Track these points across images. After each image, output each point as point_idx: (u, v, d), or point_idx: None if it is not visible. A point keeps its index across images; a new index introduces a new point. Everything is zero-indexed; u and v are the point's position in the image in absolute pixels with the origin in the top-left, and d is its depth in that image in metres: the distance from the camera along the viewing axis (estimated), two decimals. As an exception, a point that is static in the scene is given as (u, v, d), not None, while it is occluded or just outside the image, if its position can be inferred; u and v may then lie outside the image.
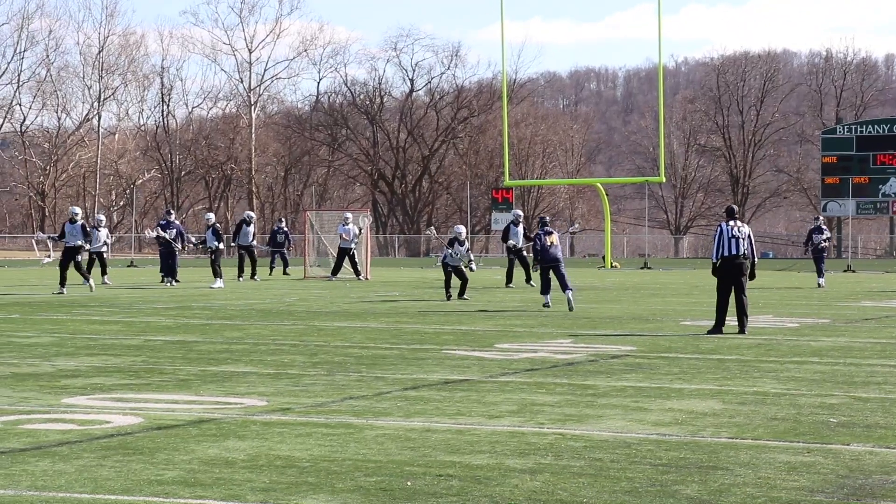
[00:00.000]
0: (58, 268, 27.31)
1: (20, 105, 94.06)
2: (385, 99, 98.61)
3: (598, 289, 30.74)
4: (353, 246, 35.14)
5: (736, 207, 17.60)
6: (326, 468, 6.85)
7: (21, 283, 32.58)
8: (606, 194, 55.72)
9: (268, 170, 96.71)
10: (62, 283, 26.55)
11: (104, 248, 32.07)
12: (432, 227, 41.32)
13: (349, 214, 36.22)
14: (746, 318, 16.72)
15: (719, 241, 16.75)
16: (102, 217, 33.43)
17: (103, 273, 32.10)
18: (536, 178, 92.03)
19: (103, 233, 32.07)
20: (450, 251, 25.64)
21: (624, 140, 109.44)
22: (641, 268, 51.95)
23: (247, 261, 35.88)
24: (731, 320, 16.70)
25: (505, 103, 50.76)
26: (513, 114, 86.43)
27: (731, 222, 16.88)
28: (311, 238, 39.23)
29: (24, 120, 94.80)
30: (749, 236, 16.83)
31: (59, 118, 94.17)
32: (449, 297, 24.89)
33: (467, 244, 26.23)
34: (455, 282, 25.46)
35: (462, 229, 26.30)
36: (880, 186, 68.67)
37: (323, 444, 7.61)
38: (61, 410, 8.97)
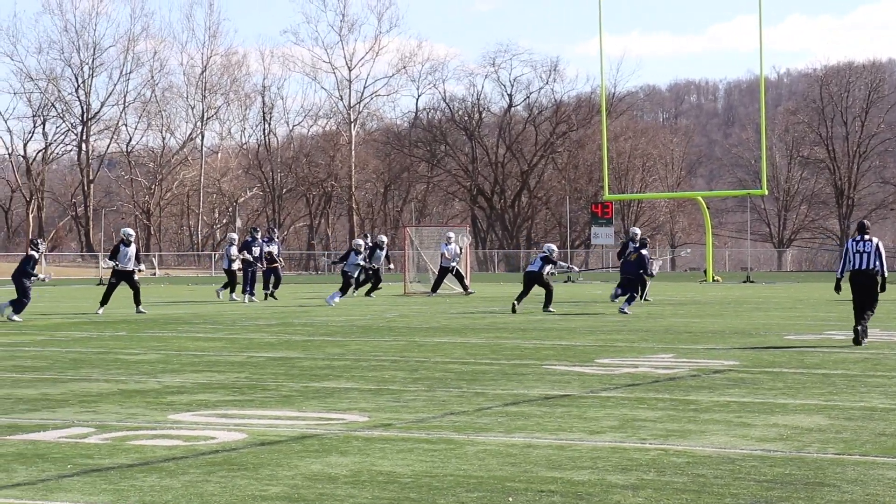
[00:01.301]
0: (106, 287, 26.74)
1: (126, 125, 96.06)
2: (483, 114, 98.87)
3: (700, 303, 30.45)
4: (454, 264, 35.39)
5: (867, 223, 17.78)
6: (428, 484, 6.87)
7: (128, 300, 33.15)
8: (708, 207, 55.22)
9: (367, 186, 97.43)
10: (104, 302, 26.08)
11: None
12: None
13: (451, 234, 36.37)
14: (862, 326, 16.75)
15: (845, 257, 17.20)
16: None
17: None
18: (636, 192, 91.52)
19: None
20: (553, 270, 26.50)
21: (725, 153, 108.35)
22: (744, 282, 51.32)
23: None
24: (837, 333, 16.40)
25: (604, 117, 50.59)
26: (612, 128, 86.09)
27: (859, 237, 17.17)
28: (410, 254, 39.42)
29: (130, 140, 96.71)
30: (877, 249, 16.97)
31: (164, 138, 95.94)
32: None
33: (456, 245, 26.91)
34: (539, 291, 25.83)
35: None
36: None
37: (424, 459, 7.63)
38: (168, 426, 9.11)
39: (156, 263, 76.08)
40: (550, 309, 26.21)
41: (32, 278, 24.30)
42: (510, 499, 6.47)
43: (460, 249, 35.72)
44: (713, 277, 52.04)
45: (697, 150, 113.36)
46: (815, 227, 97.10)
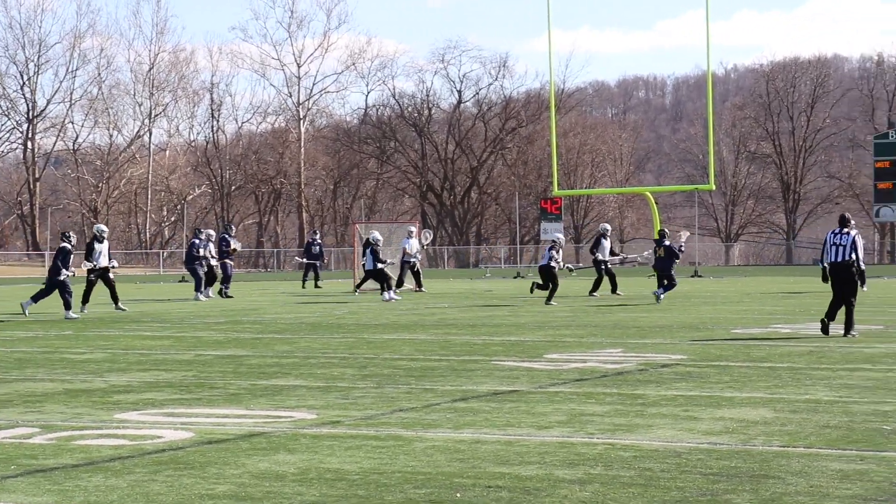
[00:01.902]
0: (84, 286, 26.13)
1: (73, 123, 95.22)
2: (433, 111, 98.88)
3: (649, 298, 30.61)
4: (414, 259, 35.03)
5: (849, 216, 18.15)
6: (376, 481, 6.86)
7: (74, 300, 32.83)
8: (656, 203, 55.52)
9: (317, 183, 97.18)
10: (86, 301, 25.85)
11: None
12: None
13: (413, 228, 36.14)
14: (851, 321, 17.38)
15: (823, 250, 17.76)
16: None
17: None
18: (585, 188, 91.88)
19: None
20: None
21: (673, 148, 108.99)
22: (692, 276, 51.67)
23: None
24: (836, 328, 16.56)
25: (553, 113, 50.69)
26: (561, 124, 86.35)
27: (839, 230, 17.63)
28: (360, 251, 39.34)
29: (77, 138, 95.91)
30: (853, 243, 17.36)
31: (111, 135, 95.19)
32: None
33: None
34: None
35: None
36: (934, 191, 67.95)
37: (372, 456, 7.62)
38: (114, 426, 9.04)
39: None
40: (552, 303, 27.40)
41: (65, 273, 24.04)
42: (458, 494, 6.47)
43: (423, 246, 35.60)
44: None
45: (646, 146, 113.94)
46: (762, 222, 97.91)
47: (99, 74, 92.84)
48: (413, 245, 34.82)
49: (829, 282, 17.68)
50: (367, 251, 31.48)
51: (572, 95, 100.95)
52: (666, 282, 27.69)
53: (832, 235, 17.62)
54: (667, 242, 28.33)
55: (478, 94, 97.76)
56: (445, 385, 11.53)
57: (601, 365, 13.31)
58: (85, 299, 25.87)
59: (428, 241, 35.98)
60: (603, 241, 32.05)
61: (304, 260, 41.30)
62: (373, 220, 79.01)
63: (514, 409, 9.78)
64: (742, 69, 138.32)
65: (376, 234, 32.36)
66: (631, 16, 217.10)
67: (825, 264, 17.59)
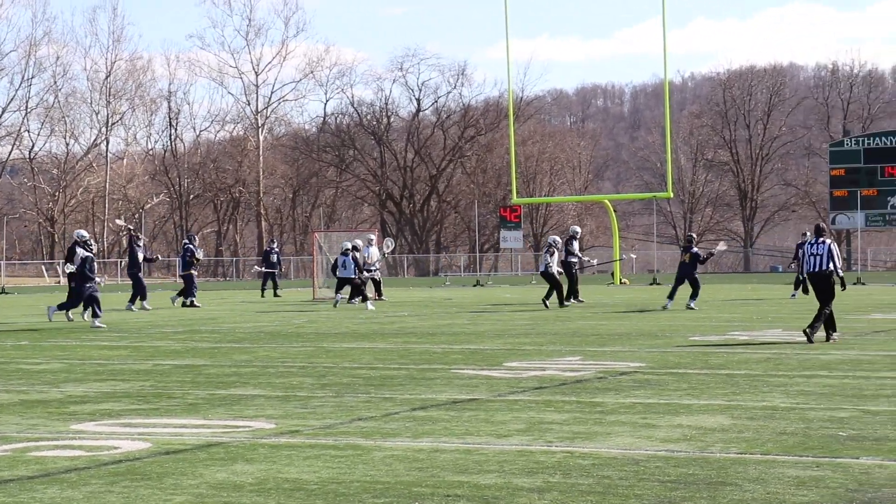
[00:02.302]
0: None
1: (28, 132, 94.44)
2: (392, 119, 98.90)
3: (608, 305, 30.71)
4: (374, 268, 34.53)
5: (823, 225, 18.54)
6: (334, 490, 6.84)
7: (31, 310, 32.61)
8: (615, 210, 55.74)
9: (276, 192, 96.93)
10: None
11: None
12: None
13: (372, 236, 35.87)
14: (832, 327, 17.77)
15: (802, 260, 18.73)
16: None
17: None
18: (544, 196, 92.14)
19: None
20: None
21: (631, 156, 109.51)
22: (651, 284, 51.87)
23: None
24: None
25: (511, 121, 50.84)
26: (520, 132, 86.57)
27: (814, 240, 18.00)
28: (319, 259, 39.28)
29: (33, 146, 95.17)
30: (829, 251, 17.77)
31: (68, 144, 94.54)
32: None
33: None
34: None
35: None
36: (889, 198, 68.65)
37: (331, 466, 7.61)
38: (70, 437, 8.97)
39: (60, 272, 74.98)
40: (546, 302, 29.07)
41: (90, 282, 23.92)
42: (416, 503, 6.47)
43: (384, 255, 35.48)
44: (620, 280, 52.54)
45: (604, 154, 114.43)
46: (720, 229, 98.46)
47: (55, 83, 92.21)
48: (373, 254, 34.62)
49: (812, 291, 18.29)
50: (346, 259, 31.59)
51: (531, 104, 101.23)
52: (691, 289, 27.86)
53: (809, 246, 18.00)
54: (694, 249, 28.31)
55: (436, 102, 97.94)
56: (405, 394, 11.52)
57: (560, 373, 13.33)
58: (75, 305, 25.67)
59: (389, 250, 35.86)
60: (574, 242, 31.89)
61: (263, 269, 41.11)
62: (332, 229, 78.90)
63: (473, 417, 9.78)
64: (699, 77, 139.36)
65: (358, 242, 33.03)
66: (589, 24, 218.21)
67: (804, 275, 18.09)
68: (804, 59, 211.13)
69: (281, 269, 41.15)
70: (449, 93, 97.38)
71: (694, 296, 27.81)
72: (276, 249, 41.39)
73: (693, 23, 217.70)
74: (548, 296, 29.48)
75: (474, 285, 54.18)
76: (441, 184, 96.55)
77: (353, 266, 31.19)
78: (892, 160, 68.17)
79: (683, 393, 11.35)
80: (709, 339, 18.37)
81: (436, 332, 20.90)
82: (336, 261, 32.40)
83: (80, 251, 24.84)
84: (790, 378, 12.59)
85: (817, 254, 17.73)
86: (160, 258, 33.66)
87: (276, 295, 39.67)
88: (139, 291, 31.24)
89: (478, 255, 71.31)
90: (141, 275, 31.90)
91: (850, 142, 71.03)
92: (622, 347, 16.94)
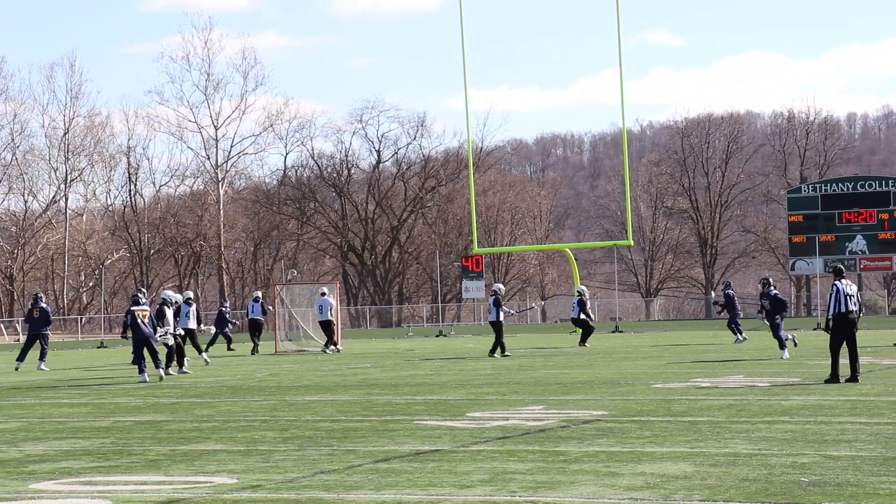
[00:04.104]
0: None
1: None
2: (352, 171, 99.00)
3: (570, 354, 30.74)
4: (330, 317, 35.34)
5: (842, 267, 19.11)
6: (297, 545, 6.79)
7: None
8: (576, 259, 55.92)
9: (237, 245, 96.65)
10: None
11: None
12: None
13: (325, 288, 36.44)
14: (858, 366, 18.41)
15: (836, 299, 18.33)
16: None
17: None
18: (506, 245, 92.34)
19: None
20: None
21: (592, 205, 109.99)
22: (612, 332, 52.00)
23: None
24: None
25: (471, 172, 51.06)
26: (480, 182, 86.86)
27: (844, 281, 18.42)
28: (281, 312, 39.13)
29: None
30: (857, 293, 18.51)
31: (26, 201, 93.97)
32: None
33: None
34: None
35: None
36: (847, 244, 69.17)
37: (293, 520, 7.55)
38: (28, 496, 8.87)
39: (19, 329, 74.38)
40: (495, 355, 29.66)
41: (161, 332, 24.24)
42: (380, 557, 6.43)
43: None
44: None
45: (565, 203, 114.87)
46: (681, 276, 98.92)
47: (13, 140, 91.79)
48: (329, 303, 35.25)
49: (836, 330, 18.35)
50: (320, 303, 34.96)
51: (491, 153, 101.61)
52: (772, 332, 26.72)
53: (842, 286, 18.28)
54: (773, 291, 27.51)
55: (396, 153, 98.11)
56: (367, 446, 11.47)
57: (523, 422, 13.32)
58: (177, 358, 25.90)
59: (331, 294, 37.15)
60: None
61: (212, 329, 40.46)
62: (294, 282, 78.67)
63: (436, 468, 9.75)
64: (657, 126, 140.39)
65: (324, 289, 35.96)
66: (548, 74, 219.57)
67: (831, 316, 18.15)
68: (761, 107, 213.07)
69: (231, 326, 40.91)
70: (409, 144, 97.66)
71: (779, 337, 26.36)
72: (227, 307, 42.85)
73: (653, 71, 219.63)
74: (493, 350, 30.24)
75: (437, 336, 54.10)
76: (402, 235, 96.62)
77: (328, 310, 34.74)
78: (848, 206, 68.82)
79: (646, 441, 11.36)
80: (671, 386, 18.41)
81: (398, 383, 20.84)
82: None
83: (168, 311, 25.48)
84: (752, 424, 12.63)
85: (851, 294, 18.26)
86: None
87: (229, 348, 39.59)
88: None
89: (440, 305, 71.24)
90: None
91: (808, 188, 71.66)
92: (585, 396, 16.95)
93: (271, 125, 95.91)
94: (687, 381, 19.52)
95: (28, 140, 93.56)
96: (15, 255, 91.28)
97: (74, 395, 20.05)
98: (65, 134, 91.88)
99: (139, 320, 23.68)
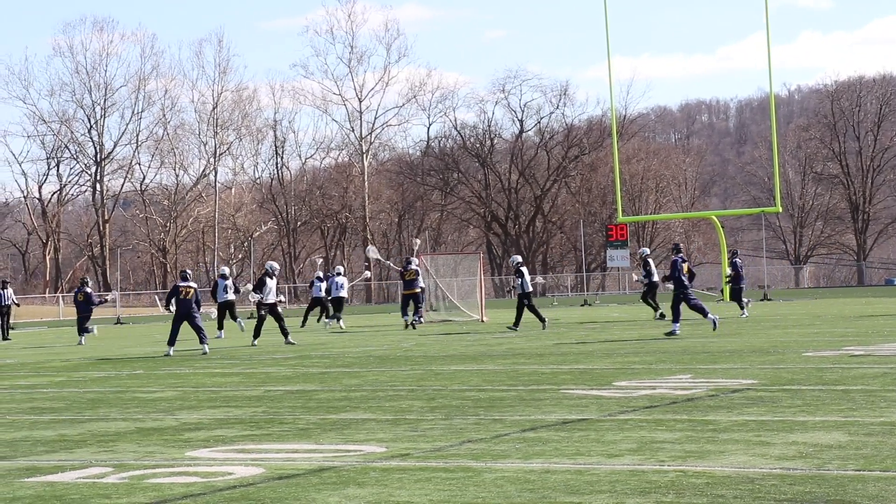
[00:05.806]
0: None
1: (139, 164, 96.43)
2: (495, 141, 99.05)
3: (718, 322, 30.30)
4: (343, 294, 36.56)
5: None
6: (446, 513, 6.84)
7: (145, 340, 33.20)
8: (722, 226, 55.13)
9: (382, 216, 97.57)
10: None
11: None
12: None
13: (340, 268, 39.32)
14: None
15: None
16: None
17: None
18: (650, 214, 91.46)
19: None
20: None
21: (738, 171, 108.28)
22: (761, 300, 51.18)
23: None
24: None
25: (615, 140, 50.60)
26: (624, 150, 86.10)
27: None
28: (427, 283, 39.35)
29: (144, 179, 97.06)
30: None
31: (177, 175, 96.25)
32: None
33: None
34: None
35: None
36: None
37: (442, 488, 7.60)
38: (185, 463, 9.09)
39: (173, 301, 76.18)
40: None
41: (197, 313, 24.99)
42: (528, 525, 6.43)
43: (373, 262, 37.80)
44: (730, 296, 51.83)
45: (710, 170, 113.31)
46: (832, 243, 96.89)
47: (164, 115, 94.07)
48: (339, 283, 36.62)
49: None
50: (333, 282, 36.27)
51: (634, 121, 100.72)
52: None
53: None
54: (737, 260, 28.50)
55: (539, 122, 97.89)
56: (514, 415, 11.48)
57: (671, 391, 13.19)
58: (256, 334, 26.88)
59: (376, 256, 39.96)
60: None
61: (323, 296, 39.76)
62: (438, 252, 79.16)
63: (583, 437, 9.71)
64: (806, 90, 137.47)
65: (340, 268, 38.84)
66: (692, 40, 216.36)
67: None
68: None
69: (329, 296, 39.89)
70: (551, 113, 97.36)
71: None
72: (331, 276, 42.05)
73: (801, 36, 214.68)
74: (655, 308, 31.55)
75: (581, 305, 53.90)
76: (546, 204, 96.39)
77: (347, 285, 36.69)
78: None
79: (798, 410, 11.16)
80: (823, 354, 18.04)
81: (544, 352, 20.83)
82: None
83: (267, 281, 26.76)
84: (908, 393, 12.30)
85: None
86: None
87: (334, 318, 38.18)
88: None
89: (584, 274, 70.96)
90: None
91: (964, 150, 69.46)
92: (733, 364, 16.71)
93: (414, 97, 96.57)
94: (839, 349, 19.10)
95: (178, 115, 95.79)
96: (167, 229, 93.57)
97: (226, 366, 20.50)
98: (213, 109, 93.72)
99: (182, 296, 24.49)
